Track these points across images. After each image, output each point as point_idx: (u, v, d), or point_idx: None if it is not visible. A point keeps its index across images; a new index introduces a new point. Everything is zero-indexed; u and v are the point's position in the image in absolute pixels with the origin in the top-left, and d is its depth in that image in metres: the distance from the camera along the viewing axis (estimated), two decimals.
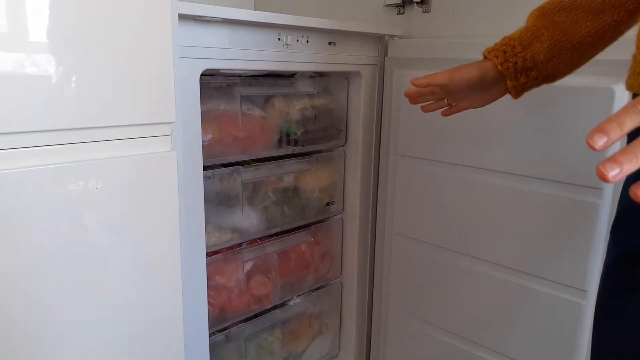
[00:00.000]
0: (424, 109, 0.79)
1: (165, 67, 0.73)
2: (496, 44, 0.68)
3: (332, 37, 1.07)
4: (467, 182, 1.04)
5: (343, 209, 1.28)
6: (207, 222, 1.00)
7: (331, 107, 1.19)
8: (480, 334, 1.07)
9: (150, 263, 0.76)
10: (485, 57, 0.69)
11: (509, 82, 0.67)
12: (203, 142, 0.94)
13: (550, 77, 0.67)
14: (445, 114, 0.78)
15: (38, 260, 0.64)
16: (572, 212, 0.90)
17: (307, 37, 1.02)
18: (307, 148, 1.15)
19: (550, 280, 0.95)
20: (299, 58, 1.01)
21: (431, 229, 1.12)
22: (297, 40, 1.00)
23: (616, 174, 0.33)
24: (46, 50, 0.61)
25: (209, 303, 1.02)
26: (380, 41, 1.18)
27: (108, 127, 0.68)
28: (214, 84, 0.95)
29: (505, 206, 0.99)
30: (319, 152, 1.20)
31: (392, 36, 1.16)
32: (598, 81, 0.84)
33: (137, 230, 0.73)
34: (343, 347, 1.36)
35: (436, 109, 0.78)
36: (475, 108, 0.74)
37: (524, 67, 0.65)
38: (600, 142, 0.33)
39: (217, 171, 0.98)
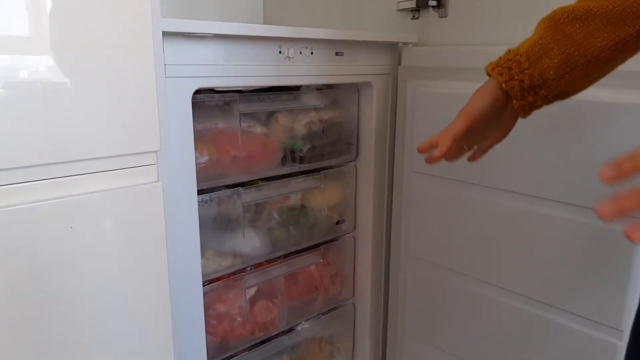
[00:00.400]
0: (448, 158, 0.65)
1: (146, 91, 0.67)
2: (500, 58, 0.60)
3: (340, 47, 0.99)
4: (489, 204, 0.95)
5: (355, 227, 1.20)
6: (206, 247, 0.95)
7: (340, 120, 1.11)
8: None
9: (137, 301, 0.71)
10: (488, 74, 0.60)
11: (515, 101, 0.58)
12: (199, 164, 0.88)
13: (563, 94, 0.58)
14: (472, 159, 0.69)
15: (16, 299, 0.59)
16: (608, 242, 0.80)
17: (312, 48, 0.94)
18: (315, 165, 1.08)
19: (580, 316, 0.85)
20: (303, 71, 0.94)
21: (449, 253, 1.03)
22: (301, 52, 0.93)
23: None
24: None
25: (209, 332, 0.96)
26: (393, 49, 1.09)
27: (81, 161, 0.63)
28: (210, 102, 0.89)
29: (530, 232, 0.89)
30: (328, 167, 1.12)
31: (405, 43, 1.07)
32: (631, 96, 0.74)
33: (120, 274, 0.68)
34: None
35: (458, 158, 0.68)
36: (500, 141, 0.65)
37: (531, 85, 0.56)
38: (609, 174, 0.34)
39: (215, 194, 0.92)
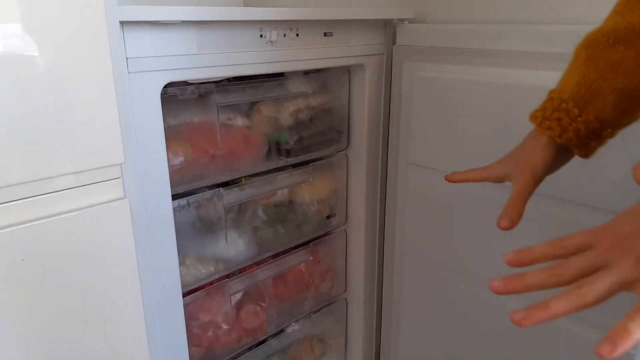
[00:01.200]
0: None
1: (103, 92, 0.56)
2: (545, 106, 0.50)
3: (328, 26, 0.88)
4: (487, 199, 0.87)
5: (346, 220, 1.12)
6: (186, 254, 0.86)
7: (330, 106, 1.01)
8: None
9: (111, 329, 0.62)
10: (537, 129, 0.52)
11: (576, 150, 0.49)
12: (173, 166, 0.78)
13: (631, 123, 0.49)
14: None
15: None
16: None
17: (297, 29, 0.83)
18: (303, 157, 0.98)
19: (585, 320, 0.79)
20: (288, 56, 0.83)
21: (445, 248, 0.96)
22: (285, 35, 0.81)
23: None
24: None
25: (192, 344, 0.89)
26: (387, 26, 0.98)
27: (24, 184, 0.52)
28: (183, 96, 0.78)
29: (528, 229, 0.82)
30: (317, 159, 1.03)
31: (401, 20, 0.96)
32: None
33: (87, 304, 0.59)
34: None
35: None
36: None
37: (589, 130, 0.47)
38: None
39: (193, 198, 0.83)
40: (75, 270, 0.57)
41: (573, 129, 0.48)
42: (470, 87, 0.85)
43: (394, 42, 0.99)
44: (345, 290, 1.18)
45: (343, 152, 1.07)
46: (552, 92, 0.51)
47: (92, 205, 0.57)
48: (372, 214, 1.10)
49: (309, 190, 1.03)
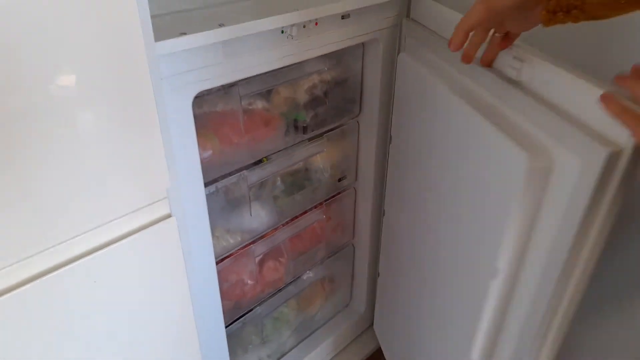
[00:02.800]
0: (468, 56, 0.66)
1: (150, 129, 0.61)
2: None
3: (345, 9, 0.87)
4: None
5: (356, 179, 1.20)
6: (214, 227, 0.95)
7: (344, 78, 1.04)
8: None
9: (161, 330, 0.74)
10: None
11: (543, 12, 0.55)
12: (202, 160, 0.83)
13: (600, 18, 0.54)
14: (484, 63, 0.69)
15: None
16: None
17: (315, 19, 0.83)
18: (318, 131, 1.03)
19: None
20: (308, 45, 0.84)
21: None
22: (304, 27, 0.82)
23: None
24: None
25: (223, 299, 1.02)
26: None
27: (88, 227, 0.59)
28: (209, 96, 0.81)
29: None
30: (331, 129, 1.08)
31: None
32: None
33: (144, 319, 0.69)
34: (354, 296, 1.41)
35: (477, 50, 0.66)
36: (518, 35, 0.64)
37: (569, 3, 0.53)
38: None
39: (220, 184, 0.89)
40: (134, 288, 0.67)
41: None
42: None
43: (407, 15, 0.98)
44: (354, 237, 1.30)
45: (355, 119, 1.11)
46: None
47: (143, 228, 0.65)
48: (381, 170, 1.17)
49: (323, 158, 1.10)
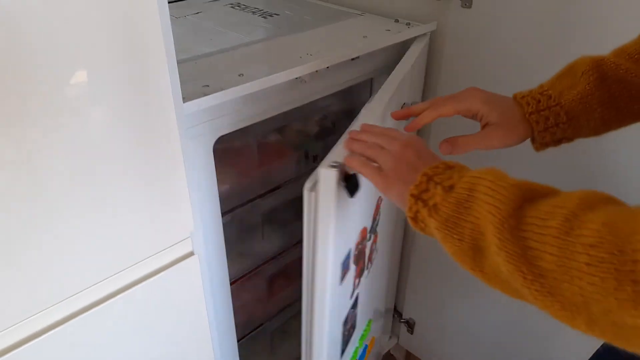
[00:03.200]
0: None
1: (175, 175, 0.67)
2: (539, 97, 0.58)
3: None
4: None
5: None
6: (229, 251, 1.01)
7: (351, 108, 1.09)
8: None
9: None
10: (521, 109, 0.59)
11: (536, 145, 0.59)
12: (220, 194, 0.90)
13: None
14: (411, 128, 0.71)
15: None
16: None
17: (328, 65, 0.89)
18: None
19: None
20: (321, 86, 0.90)
21: None
22: (317, 71, 0.88)
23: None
24: None
25: (235, 314, 1.09)
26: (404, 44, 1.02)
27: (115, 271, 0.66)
28: (227, 135, 0.87)
29: None
30: None
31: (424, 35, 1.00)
32: None
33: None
34: None
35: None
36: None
37: (561, 137, 0.58)
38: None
39: (235, 213, 0.96)
40: (157, 324, 0.73)
41: (551, 131, 0.56)
42: None
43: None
44: None
45: None
46: (547, 88, 0.58)
47: (167, 267, 0.71)
48: None
49: None
